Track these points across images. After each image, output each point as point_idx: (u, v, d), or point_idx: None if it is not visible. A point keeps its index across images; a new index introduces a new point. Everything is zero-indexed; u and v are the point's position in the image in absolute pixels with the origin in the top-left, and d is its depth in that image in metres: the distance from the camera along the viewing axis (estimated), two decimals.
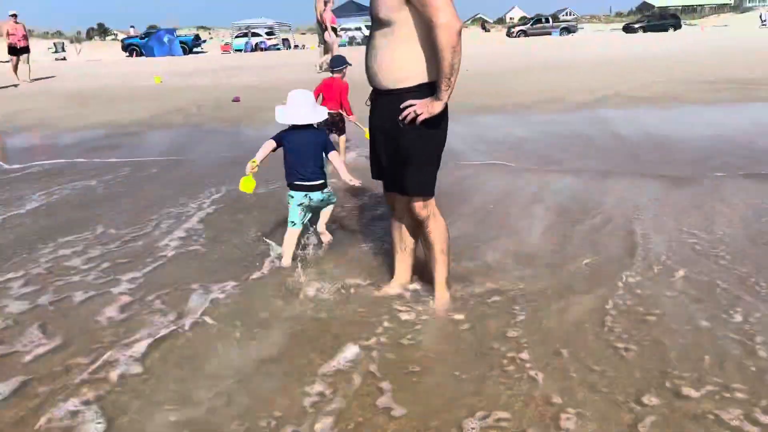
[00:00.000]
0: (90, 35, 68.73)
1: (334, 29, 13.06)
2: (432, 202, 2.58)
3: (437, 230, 2.62)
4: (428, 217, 2.58)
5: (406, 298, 2.72)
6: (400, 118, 2.37)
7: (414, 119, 2.35)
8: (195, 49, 42.93)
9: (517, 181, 4.78)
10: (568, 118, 7.66)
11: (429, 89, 2.36)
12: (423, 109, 2.34)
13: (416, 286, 2.80)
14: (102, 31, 70.31)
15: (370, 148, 2.72)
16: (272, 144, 3.24)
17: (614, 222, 3.61)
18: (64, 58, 34.08)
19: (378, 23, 2.40)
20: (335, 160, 3.22)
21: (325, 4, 12.78)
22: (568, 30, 46.59)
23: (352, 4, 39.23)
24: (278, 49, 37.71)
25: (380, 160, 2.65)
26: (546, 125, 7.25)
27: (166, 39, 35.03)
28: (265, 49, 37.21)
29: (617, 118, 7.44)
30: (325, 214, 3.46)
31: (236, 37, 39.64)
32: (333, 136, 5.38)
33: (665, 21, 48.35)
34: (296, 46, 38.88)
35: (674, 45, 21.37)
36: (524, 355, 2.19)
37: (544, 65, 14.61)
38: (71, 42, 54.04)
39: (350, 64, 5.45)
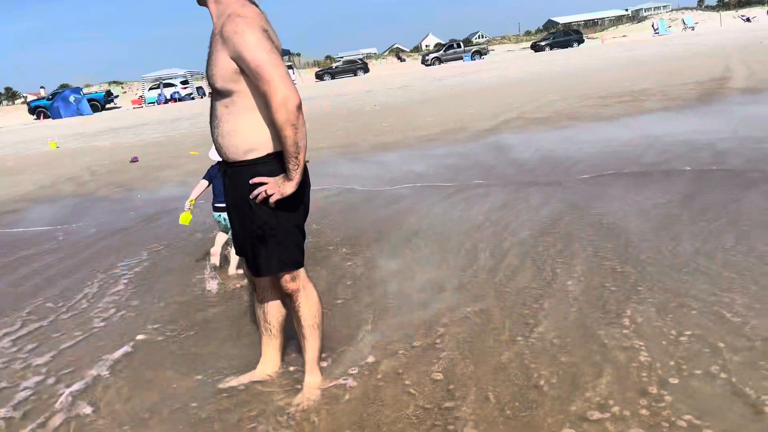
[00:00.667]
0: None
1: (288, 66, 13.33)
2: (301, 273, 2.33)
3: (308, 304, 2.36)
4: (298, 290, 2.33)
5: (275, 385, 2.43)
6: (251, 197, 2.14)
7: (266, 199, 2.12)
8: (108, 105, 41.72)
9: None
10: (469, 148, 7.63)
11: (278, 159, 2.13)
12: (274, 189, 2.11)
13: (289, 368, 2.53)
14: (10, 94, 67.58)
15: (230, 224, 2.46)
16: (204, 183, 3.80)
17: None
18: None
19: (217, 93, 2.17)
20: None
21: None
22: (479, 53, 48.10)
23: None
24: (193, 98, 37.07)
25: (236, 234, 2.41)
26: (446, 158, 7.17)
27: (72, 98, 33.82)
28: (179, 100, 36.50)
29: (516, 143, 7.46)
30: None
31: (150, 89, 38.69)
32: None
33: (569, 37, 50.76)
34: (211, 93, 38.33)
35: (575, 61, 22.27)
36: None
37: (451, 93, 14.82)
38: None
39: None
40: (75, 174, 9.54)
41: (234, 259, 3.91)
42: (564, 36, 52.00)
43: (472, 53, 47.04)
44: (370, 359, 2.54)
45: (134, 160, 10.01)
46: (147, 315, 3.34)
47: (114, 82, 58.91)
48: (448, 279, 3.30)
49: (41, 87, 44.78)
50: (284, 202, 2.18)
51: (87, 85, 54.71)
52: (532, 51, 50.74)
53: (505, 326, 2.64)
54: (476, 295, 3.02)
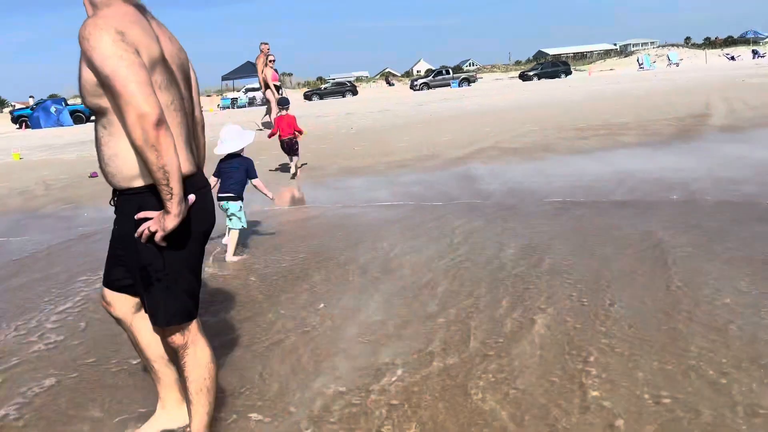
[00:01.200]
0: None
1: (276, 87, 13.12)
2: (192, 327, 1.99)
3: (196, 364, 1.99)
4: (185, 347, 1.98)
5: None
6: (135, 235, 1.83)
7: (152, 236, 1.81)
8: (92, 118, 41.18)
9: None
10: (436, 177, 7.33)
11: None
12: (156, 226, 1.80)
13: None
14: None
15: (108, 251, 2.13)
16: (214, 179, 4.22)
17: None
18: None
19: (95, 113, 1.86)
20: (257, 184, 4.51)
21: (266, 64, 12.94)
22: (468, 80, 48.29)
23: (249, 65, 38.99)
24: None
25: (114, 264, 2.08)
26: (410, 185, 6.86)
27: (53, 109, 33.32)
28: None
29: (484, 174, 7.18)
30: (233, 239, 4.35)
31: None
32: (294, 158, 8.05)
33: (557, 68, 51.28)
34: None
35: (560, 92, 22.26)
36: None
37: (431, 119, 14.60)
38: None
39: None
40: (28, 188, 9.10)
41: (231, 245, 4.32)
42: (552, 67, 52.51)
43: (461, 80, 47.25)
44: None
45: (93, 175, 9.57)
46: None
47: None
48: (392, 318, 2.94)
49: (30, 96, 44.13)
50: (172, 240, 1.84)
51: (74, 97, 54.24)
52: (520, 80, 51.15)
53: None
54: (426, 339, 2.66)
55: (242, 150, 4.37)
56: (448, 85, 46.20)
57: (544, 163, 7.64)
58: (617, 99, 15.89)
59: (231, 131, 4.37)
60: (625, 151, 8.06)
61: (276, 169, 8.79)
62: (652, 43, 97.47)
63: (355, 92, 47.67)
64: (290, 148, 7.99)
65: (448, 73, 49.01)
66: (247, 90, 42.90)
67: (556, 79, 47.76)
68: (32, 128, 33.03)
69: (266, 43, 13.34)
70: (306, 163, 8.88)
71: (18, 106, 52.60)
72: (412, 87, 48.62)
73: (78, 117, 40.57)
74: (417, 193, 6.52)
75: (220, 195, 4.22)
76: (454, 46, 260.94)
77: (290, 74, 77.62)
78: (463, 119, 13.77)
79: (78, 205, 7.49)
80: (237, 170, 4.32)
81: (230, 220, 4.30)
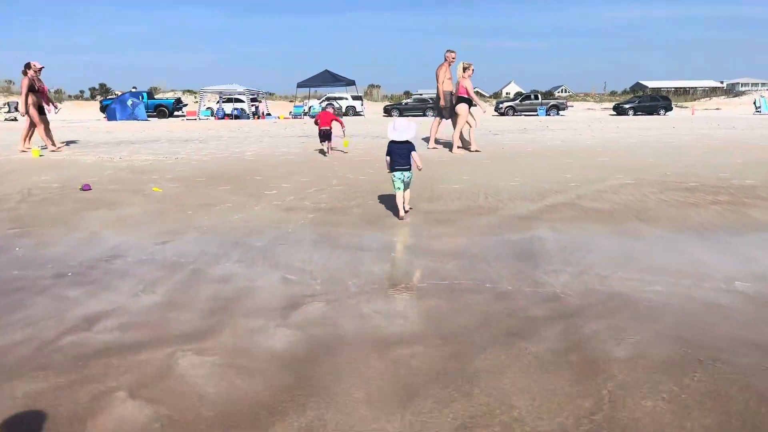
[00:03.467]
0: (93, 94, 68.26)
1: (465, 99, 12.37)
2: None
3: None
4: None
5: None
6: None
7: None
8: (176, 113, 41.49)
9: None
10: (485, 246, 5.28)
11: None
12: None
13: None
14: (104, 90, 69.72)
15: None
16: (387, 158, 6.41)
17: None
18: (15, 119, 32.20)
19: None
20: (414, 156, 6.33)
21: (464, 70, 12.15)
22: (557, 108, 45.34)
23: (327, 74, 37.89)
24: (258, 116, 36.06)
25: None
26: (444, 260, 4.83)
27: (129, 102, 33.40)
28: (237, 117, 35.51)
29: (553, 251, 5.05)
30: (407, 198, 6.44)
31: (225, 101, 37.88)
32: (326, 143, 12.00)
33: (656, 103, 47.37)
34: (268, 114, 37.25)
35: (660, 131, 19.40)
36: None
37: (501, 153, 12.41)
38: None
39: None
40: (5, 195, 7.74)
41: (407, 202, 6.45)
42: (651, 101, 48.65)
43: (549, 107, 44.36)
44: None
45: (85, 188, 8.13)
46: None
47: (188, 91, 59.61)
48: None
49: (133, 87, 45.11)
50: None
51: (156, 90, 55.38)
52: (614, 113, 47.57)
53: None
54: None
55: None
56: (535, 110, 43.46)
57: (641, 243, 5.39)
58: (735, 149, 13.08)
59: (404, 125, 6.37)
60: (765, 236, 5.67)
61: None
62: (763, 84, 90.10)
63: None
64: (326, 135, 12.03)
65: (536, 98, 46.17)
66: (327, 99, 41.97)
67: (655, 115, 44.00)
68: (108, 119, 33.24)
69: (453, 51, 12.30)
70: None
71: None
72: (497, 109, 46.19)
73: (162, 111, 41.03)
74: (447, 272, 4.49)
75: (396, 168, 6.28)
76: (547, 70, 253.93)
77: (378, 86, 76.82)
78: (541, 158, 11.49)
79: (28, 230, 5.94)
80: (405, 150, 6.30)
81: (404, 183, 6.32)
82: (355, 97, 42.89)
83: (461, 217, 6.48)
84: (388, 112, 45.75)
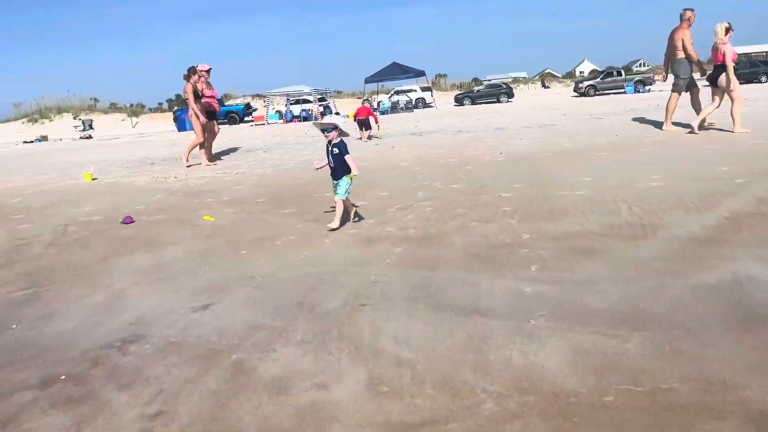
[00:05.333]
0: (170, 106, 69.96)
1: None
2: None
3: None
4: None
5: None
6: None
7: None
8: (246, 119, 41.14)
9: None
10: (670, 306, 3.45)
11: None
12: None
13: None
14: (180, 101, 71.19)
15: None
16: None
17: None
18: (90, 137, 32.47)
19: None
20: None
21: (726, 32, 9.87)
22: (642, 83, 41.57)
23: (395, 66, 36.21)
24: (316, 118, 34.93)
25: None
26: (598, 319, 3.05)
27: None
28: (306, 119, 34.45)
29: None
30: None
31: (293, 103, 37.02)
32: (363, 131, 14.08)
33: (756, 69, 42.52)
34: (337, 113, 35.95)
35: None
36: None
37: (618, 142, 10.30)
38: (129, 116, 54.30)
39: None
40: (38, 235, 6.55)
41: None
42: (750, 66, 43.84)
43: (635, 82, 40.77)
44: None
45: (126, 221, 6.84)
46: None
47: (257, 95, 59.62)
48: None
49: None
50: None
51: (227, 96, 55.55)
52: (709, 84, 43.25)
53: None
54: None
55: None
56: (621, 88, 40.05)
57: None
58: None
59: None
60: None
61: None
62: None
63: (510, 95, 43.37)
64: (364, 124, 14.32)
65: (619, 74, 42.59)
66: (396, 92, 40.33)
67: (755, 83, 39.54)
68: (178, 130, 33.00)
69: (692, 10, 10.28)
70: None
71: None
72: (577, 89, 43.02)
73: (232, 118, 40.75)
74: (638, 366, 2.72)
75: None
76: (622, 46, 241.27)
77: (444, 75, 74.55)
78: (674, 146, 9.31)
79: (38, 292, 4.60)
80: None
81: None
82: (424, 89, 41.03)
83: (608, 242, 4.62)
84: (459, 101, 43.62)
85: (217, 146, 16.49)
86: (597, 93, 41.17)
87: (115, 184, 10.02)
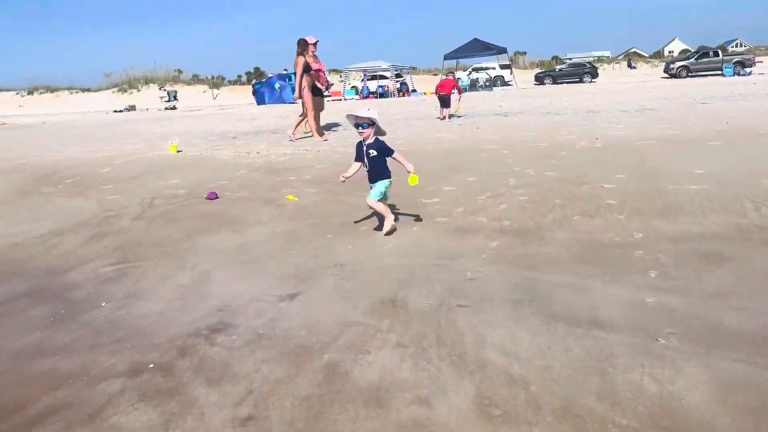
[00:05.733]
0: (249, 79, 71.53)
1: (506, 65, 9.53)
2: None
3: None
4: None
5: None
6: None
7: None
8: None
9: None
10: None
11: None
12: None
13: None
14: (258, 74, 72.67)
15: None
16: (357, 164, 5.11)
17: None
18: (174, 107, 33.45)
19: None
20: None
21: None
22: (742, 65, 38.62)
23: (476, 43, 35.18)
24: (402, 94, 34.53)
25: None
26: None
27: (277, 85, 33.37)
28: (382, 95, 34.17)
29: None
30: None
31: (367, 80, 36.80)
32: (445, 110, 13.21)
33: None
34: (413, 91, 35.46)
35: None
36: None
37: (729, 129, 9.42)
38: (210, 87, 55.75)
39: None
40: (125, 207, 6.60)
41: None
42: None
43: (734, 62, 37.92)
44: None
45: (210, 197, 6.79)
46: None
47: (334, 70, 59.75)
48: None
49: (284, 69, 45.90)
50: None
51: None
52: None
53: None
54: None
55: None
56: (718, 69, 37.38)
57: None
58: None
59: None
60: None
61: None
62: None
63: (594, 75, 41.48)
64: (445, 101, 13.35)
65: (717, 54, 39.69)
66: (475, 69, 39.33)
67: None
68: (257, 104, 33.53)
69: None
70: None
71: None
72: (668, 70, 40.55)
73: None
74: None
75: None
76: (715, 25, 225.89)
77: (524, 53, 72.16)
78: None
79: (127, 268, 4.57)
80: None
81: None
82: (503, 66, 39.77)
83: (737, 248, 4.09)
84: (539, 80, 42.13)
85: (284, 122, 16.48)
86: (690, 74, 38.65)
87: (199, 157, 10.09)
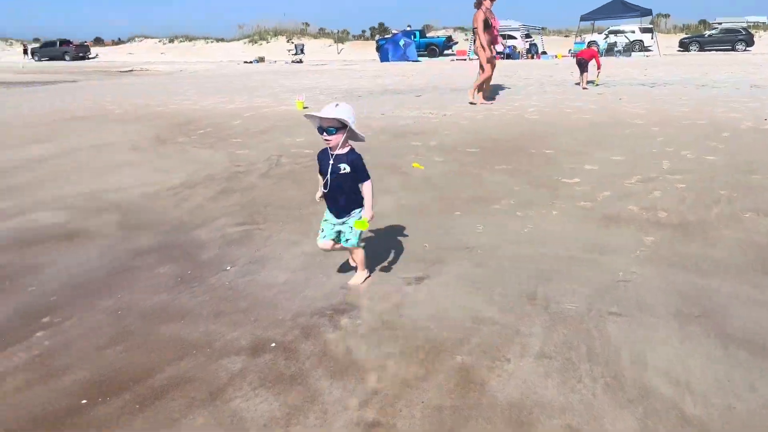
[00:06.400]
0: (372, 34, 71.65)
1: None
2: None
3: None
4: None
5: None
6: None
7: None
8: (446, 51, 40.53)
9: None
10: None
11: None
12: None
13: None
14: (382, 30, 72.60)
15: None
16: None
17: None
18: (300, 61, 34.03)
19: None
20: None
21: None
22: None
23: (618, 3, 32.50)
24: (531, 55, 32.93)
25: None
26: None
27: (402, 42, 32.91)
28: (508, 56, 32.74)
29: None
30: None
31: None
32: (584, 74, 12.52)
33: None
34: (543, 53, 33.70)
35: None
36: None
37: None
38: (335, 42, 56.38)
39: None
40: (253, 163, 6.61)
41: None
42: None
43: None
44: None
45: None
46: None
47: (459, 28, 58.19)
48: None
49: (408, 26, 45.55)
50: None
51: (428, 28, 54.91)
52: None
53: None
54: None
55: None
56: None
57: None
58: None
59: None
60: None
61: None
62: None
63: (750, 43, 37.17)
64: (582, 65, 12.62)
65: None
66: (612, 32, 36.51)
67: None
68: (381, 60, 33.35)
69: None
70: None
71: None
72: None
73: (432, 50, 40.39)
74: None
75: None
76: None
77: (667, 15, 66.17)
78: None
79: (252, 230, 4.50)
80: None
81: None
82: (643, 30, 36.53)
83: None
84: (684, 46, 38.43)
85: (423, 82, 16.06)
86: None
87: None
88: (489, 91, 10.89)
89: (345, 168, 3.21)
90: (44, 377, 2.63)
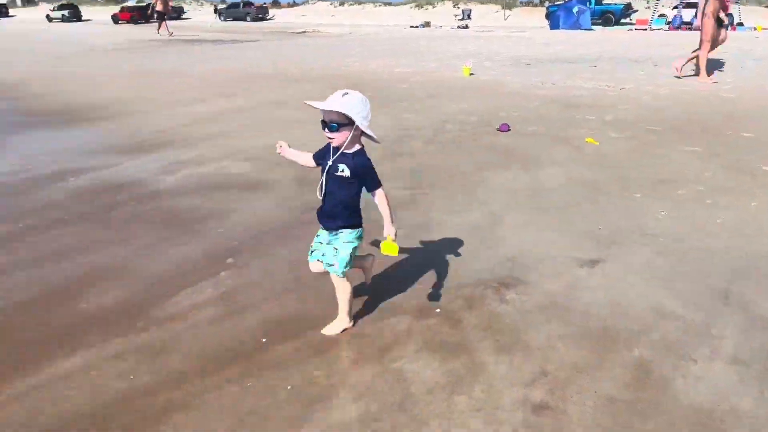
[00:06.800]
0: (542, 1, 68.62)
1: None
2: None
3: None
4: None
5: None
6: None
7: None
8: (623, 20, 37.66)
9: None
10: None
11: None
12: None
13: None
14: None
15: None
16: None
17: None
18: (467, 26, 33.42)
19: None
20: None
21: None
22: None
23: None
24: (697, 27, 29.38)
25: None
26: None
27: (575, 9, 31.04)
28: (698, 28, 29.48)
29: None
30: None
31: (682, 7, 32.12)
32: None
33: None
34: (739, 24, 29.89)
35: None
36: None
37: None
38: (502, 8, 54.72)
39: None
40: (418, 128, 6.64)
41: None
42: None
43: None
44: None
45: (502, 128, 6.48)
46: None
47: None
48: None
49: None
50: None
51: None
52: None
53: None
54: None
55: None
56: None
57: None
58: None
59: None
60: None
61: None
62: None
63: None
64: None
65: None
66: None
67: None
68: (551, 28, 31.82)
69: None
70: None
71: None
72: None
73: (607, 18, 37.71)
74: None
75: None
76: None
77: None
78: None
79: (416, 195, 4.53)
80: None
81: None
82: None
83: None
84: None
85: (598, 51, 15.03)
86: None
87: (490, 82, 9.78)
88: (692, 65, 9.67)
89: (344, 170, 2.48)
90: (230, 314, 2.86)
